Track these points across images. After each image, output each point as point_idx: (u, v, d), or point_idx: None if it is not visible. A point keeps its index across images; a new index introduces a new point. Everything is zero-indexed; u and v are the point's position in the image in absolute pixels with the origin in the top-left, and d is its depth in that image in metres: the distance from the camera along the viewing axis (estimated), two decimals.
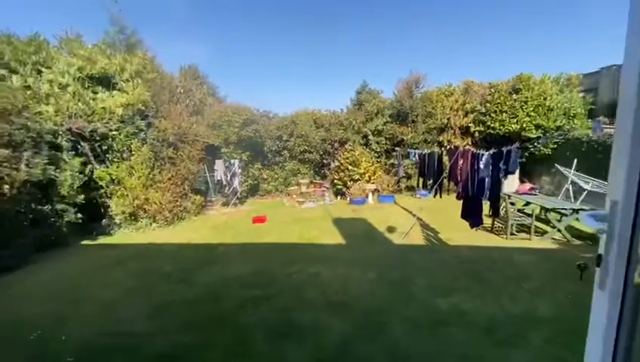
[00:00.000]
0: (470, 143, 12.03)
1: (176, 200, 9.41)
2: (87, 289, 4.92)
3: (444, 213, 8.84)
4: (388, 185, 12.11)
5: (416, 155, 8.79)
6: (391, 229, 7.69)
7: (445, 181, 7.61)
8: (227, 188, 11.67)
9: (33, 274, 5.65)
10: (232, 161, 11.63)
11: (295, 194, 12.34)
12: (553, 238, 6.74)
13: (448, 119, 12.20)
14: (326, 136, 13.18)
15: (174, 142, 9.69)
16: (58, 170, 7.06)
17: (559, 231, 6.72)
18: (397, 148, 11.84)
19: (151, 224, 8.90)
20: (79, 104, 8.24)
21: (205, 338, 3.55)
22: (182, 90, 13.13)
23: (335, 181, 12.52)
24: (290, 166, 13.39)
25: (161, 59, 16.23)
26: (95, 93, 8.83)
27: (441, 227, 7.75)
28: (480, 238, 6.84)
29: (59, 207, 6.93)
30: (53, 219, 6.87)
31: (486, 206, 5.94)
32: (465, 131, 12.49)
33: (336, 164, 12.69)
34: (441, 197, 7.56)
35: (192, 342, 3.48)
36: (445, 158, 7.67)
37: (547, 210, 7.12)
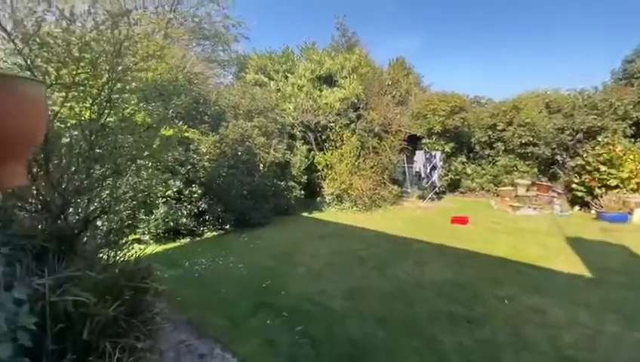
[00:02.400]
0: None
1: (376, 188, 9.82)
2: (301, 255, 5.84)
3: None
4: None
5: None
6: None
7: None
8: (425, 180, 11.10)
9: (271, 233, 7.36)
10: (433, 152, 10.89)
11: (508, 197, 10.14)
12: None
13: None
14: (564, 124, 9.95)
15: (379, 132, 10.08)
16: (292, 155, 8.87)
17: None
18: None
19: (352, 207, 9.74)
20: (309, 101, 9.99)
21: (396, 339, 3.30)
22: (389, 82, 13.51)
23: (574, 185, 9.29)
24: (503, 161, 11.12)
25: (373, 54, 17.42)
26: (321, 90, 10.44)
27: None
28: None
29: (290, 183, 8.74)
30: (285, 193, 8.75)
31: None
32: None
33: (579, 162, 9.35)
34: None
35: (383, 339, 3.32)
36: None
37: None
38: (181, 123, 6.64)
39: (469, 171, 11.82)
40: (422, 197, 11.12)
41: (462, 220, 8.03)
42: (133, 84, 3.87)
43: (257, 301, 4.17)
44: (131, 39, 3.46)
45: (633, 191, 8.23)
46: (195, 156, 6.68)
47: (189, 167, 6.56)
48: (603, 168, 8.52)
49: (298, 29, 25.86)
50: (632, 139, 9.13)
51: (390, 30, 28.12)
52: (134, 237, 6.40)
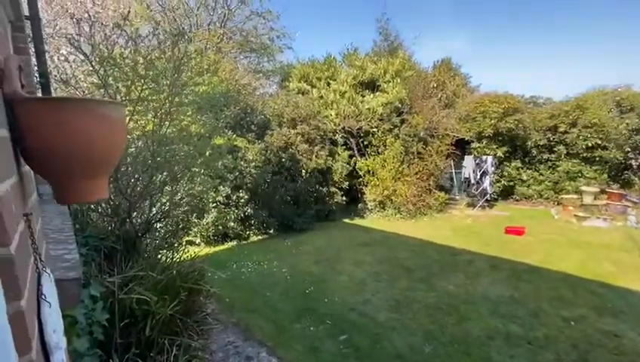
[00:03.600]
0: None
1: (421, 195, 9.45)
2: (344, 262, 5.78)
3: None
4: None
5: None
6: None
7: None
8: (475, 187, 10.45)
9: (313, 239, 7.41)
10: (484, 157, 10.22)
11: (572, 206, 9.15)
12: None
13: None
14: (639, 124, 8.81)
15: (424, 137, 9.72)
16: (333, 161, 8.89)
17: None
18: None
19: (395, 214, 9.46)
20: (351, 107, 9.95)
21: (446, 357, 3.12)
22: (435, 85, 13.02)
23: None
24: (566, 166, 10.10)
25: (418, 55, 16.96)
26: (363, 96, 10.36)
27: None
28: None
29: (331, 189, 8.75)
30: (327, 199, 8.76)
31: None
32: None
33: None
34: None
35: (432, 355, 3.15)
36: None
37: None
38: (230, 132, 7.01)
39: (524, 177, 10.89)
40: (471, 205, 10.47)
41: (518, 231, 7.40)
42: (190, 97, 4.16)
43: (301, 306, 4.21)
44: (188, 56, 3.74)
45: None
46: (242, 163, 6.98)
47: (237, 173, 6.87)
48: None
49: (340, 35, 26.12)
50: None
51: (437, 30, 27.13)
52: (187, 239, 6.84)
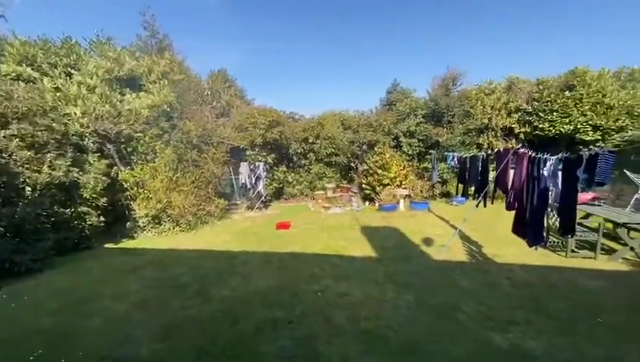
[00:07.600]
0: (514, 145, 10.91)
1: (200, 204, 9.15)
2: (100, 300, 4.60)
3: (487, 225, 7.91)
4: (421, 191, 11.24)
5: (455, 159, 7.94)
6: (427, 241, 6.91)
7: (491, 188, 6.73)
8: (252, 191, 11.34)
9: (52, 279, 5.47)
10: (257, 163, 11.30)
11: (321, 199, 11.79)
12: (624, 258, 5.68)
13: (489, 119, 11.14)
14: (354, 138, 12.57)
15: (198, 144, 9.48)
16: (82, 172, 6.96)
17: (632, 249, 5.66)
18: (431, 151, 10.97)
19: (174, 228, 8.67)
20: (106, 106, 8.18)
21: None
22: (209, 93, 13.06)
23: (363, 185, 11.84)
24: (315, 169, 12.88)
25: (192, 63, 16.47)
26: (122, 94, 8.79)
27: (486, 240, 6.86)
28: (533, 255, 5.88)
29: (81, 209, 6.81)
30: (76, 222, 6.75)
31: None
32: (508, 133, 11.36)
33: (365, 167, 12.01)
34: (485, 206, 6.69)
35: None
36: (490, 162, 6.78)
37: (617, 224, 6.02)
38: None
39: (290, 179, 12.97)
40: (251, 208, 11.28)
41: (285, 225, 8.64)
42: None
43: None
44: None
45: (398, 186, 11.30)
46: None
47: None
48: (379, 171, 11.28)
49: (89, 18, 21.06)
50: (395, 149, 12.54)
51: (214, 40, 27.55)
52: None
